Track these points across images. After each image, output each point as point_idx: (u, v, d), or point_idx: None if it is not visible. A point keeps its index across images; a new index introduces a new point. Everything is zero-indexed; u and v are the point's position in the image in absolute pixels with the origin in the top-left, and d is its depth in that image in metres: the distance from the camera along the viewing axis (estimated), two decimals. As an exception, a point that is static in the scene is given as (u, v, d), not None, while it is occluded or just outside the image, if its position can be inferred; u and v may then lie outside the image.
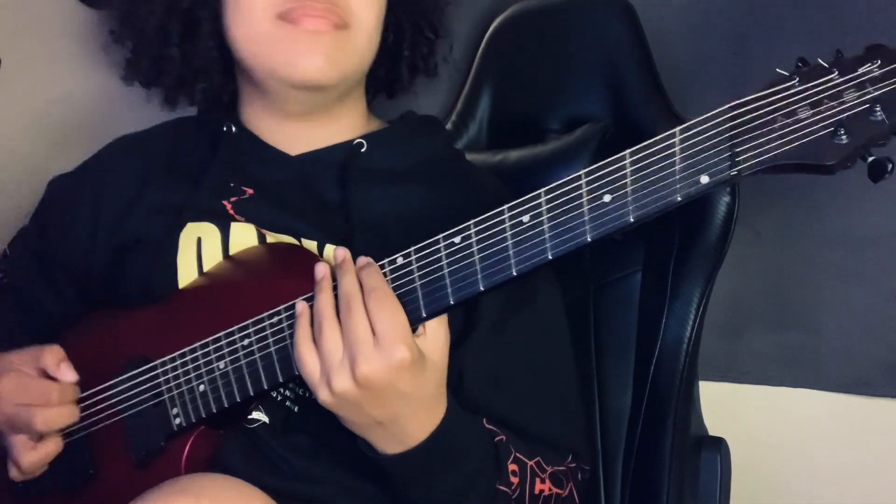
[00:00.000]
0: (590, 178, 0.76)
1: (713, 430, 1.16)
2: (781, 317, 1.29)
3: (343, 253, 0.83)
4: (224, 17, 1.00)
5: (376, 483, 0.89)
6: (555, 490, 0.94)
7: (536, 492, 0.92)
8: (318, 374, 0.80)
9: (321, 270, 0.82)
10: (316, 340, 0.80)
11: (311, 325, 0.82)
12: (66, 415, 0.92)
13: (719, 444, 1.12)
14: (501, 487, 0.89)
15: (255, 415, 0.93)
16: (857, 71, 0.68)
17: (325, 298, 0.81)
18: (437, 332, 0.83)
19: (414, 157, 1.04)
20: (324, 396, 0.80)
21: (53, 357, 0.93)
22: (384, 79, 1.12)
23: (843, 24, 1.21)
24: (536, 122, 1.28)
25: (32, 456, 0.92)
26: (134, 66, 1.08)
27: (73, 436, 0.96)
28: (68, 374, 0.93)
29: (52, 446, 0.93)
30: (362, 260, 0.82)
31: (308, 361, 0.80)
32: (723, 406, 1.22)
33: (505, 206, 0.78)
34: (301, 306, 0.82)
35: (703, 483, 1.10)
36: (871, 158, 0.68)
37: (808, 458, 1.31)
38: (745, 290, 1.29)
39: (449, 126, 1.35)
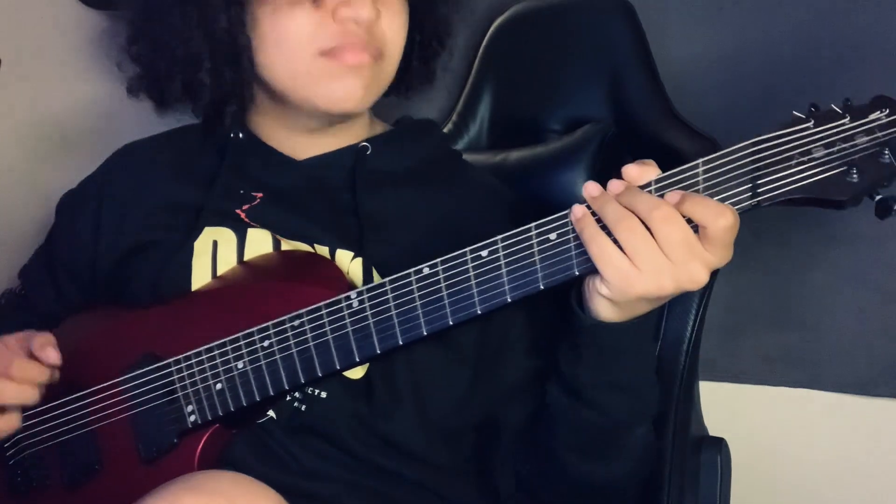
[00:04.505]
0: None
1: (713, 430, 1.16)
2: (781, 317, 1.29)
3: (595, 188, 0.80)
4: (261, 49, 0.96)
5: None
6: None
7: None
8: (631, 269, 0.77)
9: (593, 189, 0.80)
10: (622, 241, 0.77)
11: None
12: (16, 391, 0.91)
13: (719, 444, 1.12)
14: None
15: (264, 408, 0.94)
16: (867, 117, 0.74)
17: (613, 206, 0.77)
18: None
19: (415, 160, 1.05)
20: (641, 288, 0.77)
21: (42, 339, 0.93)
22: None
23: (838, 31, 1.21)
24: (537, 122, 1.28)
25: None
26: (147, 83, 1.05)
27: (75, 432, 0.96)
28: (51, 356, 0.92)
29: (8, 422, 0.93)
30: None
31: (614, 255, 0.77)
32: (723, 406, 1.23)
33: (532, 224, 0.81)
34: (580, 209, 0.79)
35: (703, 483, 1.11)
36: (878, 197, 0.75)
37: (808, 458, 1.31)
38: (744, 291, 1.29)
39: (450, 126, 1.35)
